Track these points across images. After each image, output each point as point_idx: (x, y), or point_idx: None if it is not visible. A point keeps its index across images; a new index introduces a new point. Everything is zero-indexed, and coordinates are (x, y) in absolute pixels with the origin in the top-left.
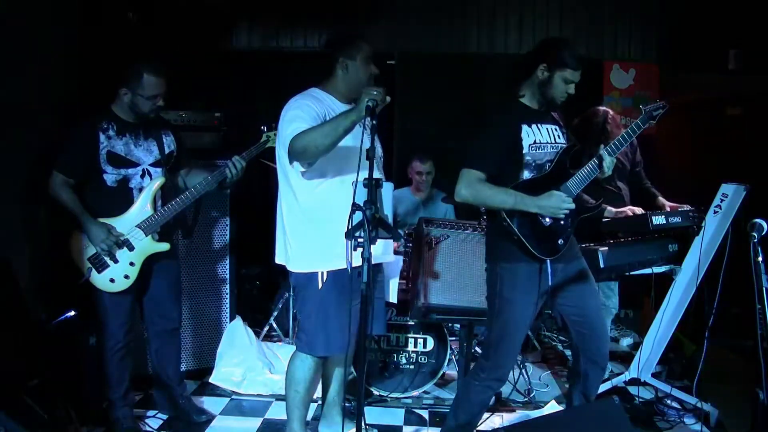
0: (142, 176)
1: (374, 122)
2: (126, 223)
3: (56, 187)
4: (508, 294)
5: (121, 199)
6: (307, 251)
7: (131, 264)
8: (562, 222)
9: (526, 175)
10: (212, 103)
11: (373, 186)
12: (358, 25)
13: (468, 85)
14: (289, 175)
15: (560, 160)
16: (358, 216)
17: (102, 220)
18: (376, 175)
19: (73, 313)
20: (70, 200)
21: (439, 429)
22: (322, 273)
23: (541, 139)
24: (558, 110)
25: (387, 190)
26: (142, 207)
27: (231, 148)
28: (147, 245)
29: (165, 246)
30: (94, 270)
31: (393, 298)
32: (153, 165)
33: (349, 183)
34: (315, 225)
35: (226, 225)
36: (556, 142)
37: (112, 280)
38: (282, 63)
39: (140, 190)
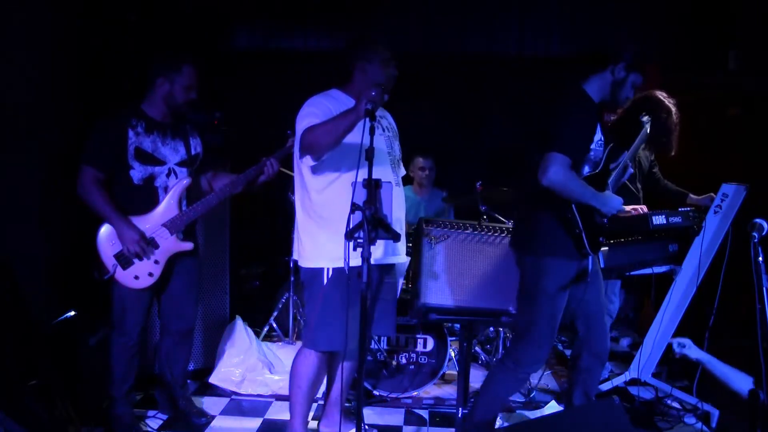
0: (168, 175)
1: (373, 123)
2: (152, 221)
3: (87, 183)
4: (552, 290)
5: (147, 197)
6: (315, 247)
7: (156, 262)
8: (605, 220)
9: (586, 170)
10: (212, 102)
11: (373, 186)
12: (358, 24)
13: (467, 85)
14: (303, 172)
15: (607, 158)
16: (359, 216)
17: (129, 217)
18: (392, 176)
19: (73, 313)
20: (101, 200)
21: (439, 429)
22: (328, 269)
23: (600, 137)
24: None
25: (387, 190)
26: (168, 206)
27: (231, 148)
28: (172, 244)
29: (189, 245)
30: (119, 266)
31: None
32: (179, 165)
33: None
34: (324, 222)
35: (226, 225)
36: (602, 139)
37: (136, 277)
38: (282, 63)
39: (165, 189)
